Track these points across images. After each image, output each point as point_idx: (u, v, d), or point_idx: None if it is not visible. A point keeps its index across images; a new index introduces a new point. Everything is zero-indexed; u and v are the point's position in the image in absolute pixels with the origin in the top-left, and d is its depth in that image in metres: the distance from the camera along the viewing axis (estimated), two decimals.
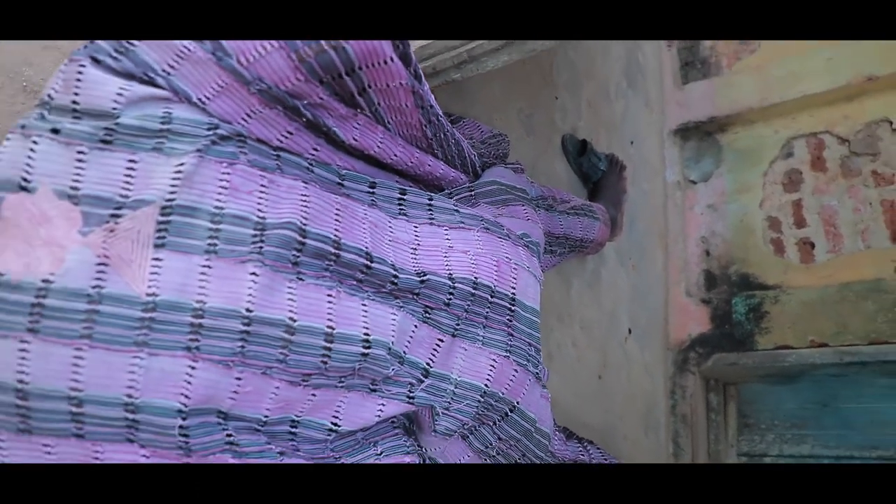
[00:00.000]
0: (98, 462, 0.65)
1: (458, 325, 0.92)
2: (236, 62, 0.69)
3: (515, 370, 0.97)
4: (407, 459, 0.84)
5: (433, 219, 0.94)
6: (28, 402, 0.62)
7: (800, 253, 2.25)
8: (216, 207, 0.69)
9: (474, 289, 0.91)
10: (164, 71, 0.68)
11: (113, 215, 0.66)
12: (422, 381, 0.87)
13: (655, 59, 2.56)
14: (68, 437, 0.64)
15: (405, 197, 0.92)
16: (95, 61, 0.66)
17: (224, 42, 0.68)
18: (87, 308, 0.63)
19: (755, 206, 2.37)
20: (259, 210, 0.71)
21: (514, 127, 1.62)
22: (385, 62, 0.75)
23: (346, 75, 0.74)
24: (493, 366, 0.94)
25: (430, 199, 0.95)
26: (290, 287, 0.73)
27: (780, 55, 2.37)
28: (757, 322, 2.22)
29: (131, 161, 0.67)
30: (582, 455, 1.29)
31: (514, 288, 0.97)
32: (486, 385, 0.93)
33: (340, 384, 0.79)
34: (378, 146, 0.86)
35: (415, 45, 0.99)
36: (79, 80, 0.66)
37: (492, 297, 0.94)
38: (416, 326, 0.86)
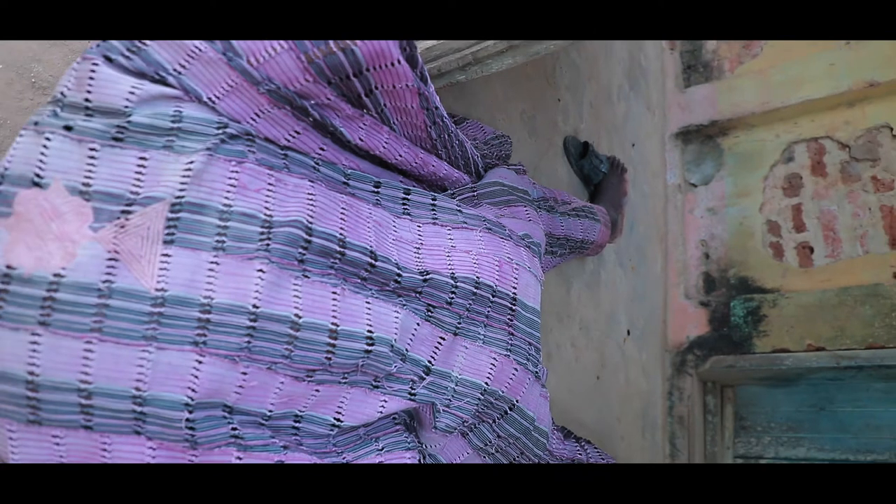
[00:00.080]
0: (106, 453, 0.67)
1: (459, 323, 0.93)
2: (246, 62, 0.70)
3: (515, 369, 0.98)
4: (407, 455, 0.85)
5: (436, 218, 0.95)
6: (38, 394, 0.64)
7: (798, 257, 2.26)
8: (225, 205, 0.70)
9: (476, 288, 0.93)
10: (175, 70, 0.69)
11: (124, 211, 0.67)
12: (423, 379, 0.89)
13: (658, 62, 2.57)
14: (77, 428, 0.66)
15: (409, 197, 0.94)
16: (108, 60, 0.67)
17: (234, 42, 0.70)
18: (98, 302, 0.65)
19: (755, 210, 2.38)
20: (266, 208, 0.73)
21: (516, 128, 1.63)
22: (392, 64, 0.76)
23: (354, 77, 0.75)
24: (493, 364, 0.95)
25: (434, 199, 0.97)
26: (295, 284, 0.74)
27: (782, 60, 2.38)
28: (755, 325, 2.23)
29: (142, 158, 0.68)
30: (579, 454, 1.30)
31: (515, 288, 0.98)
32: (486, 383, 0.95)
33: (344, 380, 0.80)
34: (383, 146, 0.87)
35: (420, 46, 1.00)
36: (92, 78, 0.67)
37: (493, 296, 0.96)
38: (418, 324, 0.88)
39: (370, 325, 0.80)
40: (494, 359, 0.96)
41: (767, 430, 2.27)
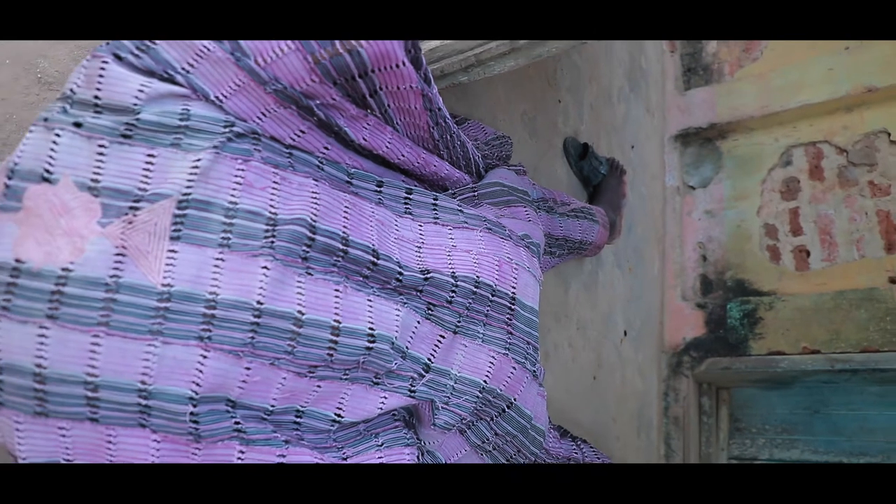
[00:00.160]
0: (111, 445, 0.68)
1: (459, 322, 0.94)
2: (254, 62, 0.71)
3: (514, 367, 1.00)
4: (406, 451, 0.86)
5: (438, 218, 0.96)
6: (45, 386, 0.65)
7: (795, 260, 2.28)
8: (230, 202, 0.71)
9: (476, 287, 0.94)
10: (183, 69, 0.70)
11: (131, 207, 0.68)
12: (423, 376, 0.90)
13: (658, 64, 2.59)
14: (83, 420, 0.67)
15: (411, 196, 0.95)
16: (118, 58, 0.68)
17: (242, 42, 0.71)
18: (105, 297, 0.66)
19: (752, 213, 2.40)
20: (271, 206, 0.74)
21: (517, 129, 1.64)
22: (397, 66, 0.77)
23: (359, 78, 0.77)
24: (492, 363, 0.97)
25: (435, 199, 0.98)
26: (299, 281, 0.75)
27: (781, 64, 2.40)
28: (751, 327, 2.25)
29: (150, 156, 0.69)
30: (575, 453, 1.32)
31: (514, 287, 0.99)
32: (484, 381, 0.96)
33: (345, 376, 0.82)
34: (386, 146, 0.89)
35: (424, 48, 1.01)
36: (101, 76, 0.68)
37: (493, 295, 0.97)
38: (418, 322, 0.89)
39: (371, 323, 0.81)
40: (493, 357, 0.97)
41: (762, 431, 2.29)
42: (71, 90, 0.69)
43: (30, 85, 0.96)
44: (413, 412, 0.95)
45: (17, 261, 0.64)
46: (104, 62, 0.68)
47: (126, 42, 0.69)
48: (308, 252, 0.76)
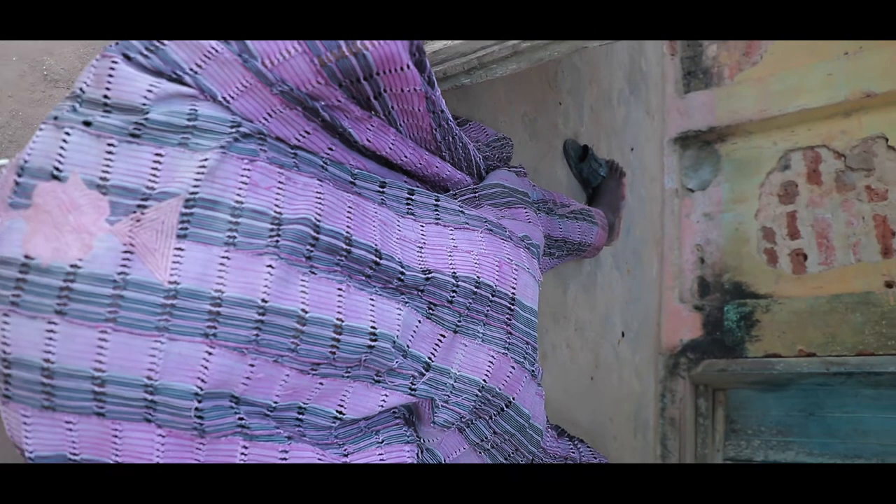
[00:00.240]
0: (116, 439, 0.69)
1: (459, 321, 0.95)
2: (261, 64, 0.72)
3: (512, 367, 1.01)
4: (406, 448, 0.87)
5: (439, 219, 0.97)
6: (53, 381, 0.66)
7: (792, 264, 2.29)
8: (236, 201, 0.72)
9: (476, 287, 0.95)
10: (191, 70, 0.72)
11: (139, 206, 0.69)
12: (423, 374, 0.91)
13: (658, 67, 2.60)
14: (89, 415, 0.68)
15: (413, 197, 0.96)
16: (127, 58, 0.70)
17: (250, 44, 0.72)
18: (113, 293, 0.67)
19: (750, 217, 2.41)
20: (276, 205, 0.75)
21: (517, 131, 1.65)
22: (402, 69, 0.78)
23: (365, 80, 0.78)
24: (491, 362, 0.98)
25: (437, 200, 0.99)
26: (303, 280, 0.76)
27: (781, 68, 2.41)
28: (747, 330, 2.26)
29: (158, 155, 0.70)
30: (572, 452, 1.33)
31: (514, 288, 1.01)
32: (484, 380, 0.97)
33: (347, 374, 0.83)
34: (390, 147, 0.90)
35: (427, 50, 1.02)
36: (111, 75, 0.69)
37: (493, 296, 0.98)
38: (419, 322, 0.90)
39: (373, 322, 0.82)
40: (492, 357, 0.98)
41: (757, 433, 2.30)
42: (80, 89, 0.70)
43: (36, 82, 0.97)
44: (413, 410, 0.96)
45: (27, 257, 0.65)
46: (114, 62, 0.69)
47: (135, 42, 0.70)
48: (312, 251, 0.77)
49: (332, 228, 0.79)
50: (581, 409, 1.87)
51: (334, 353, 0.79)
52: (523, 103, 1.68)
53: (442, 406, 0.93)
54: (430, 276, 0.90)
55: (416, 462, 0.88)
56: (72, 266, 0.66)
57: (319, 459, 0.78)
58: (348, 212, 0.83)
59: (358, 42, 0.74)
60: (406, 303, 0.88)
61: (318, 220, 0.78)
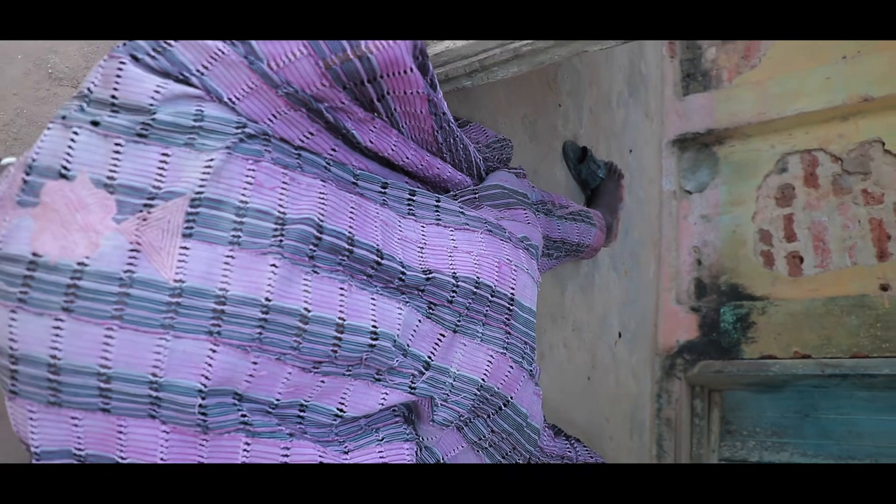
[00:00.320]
0: (121, 435, 0.70)
1: (459, 321, 0.96)
2: (266, 66, 0.73)
3: (511, 367, 1.02)
4: (406, 446, 0.88)
5: (440, 220, 0.98)
6: (59, 377, 0.67)
7: (788, 266, 2.31)
8: (241, 201, 0.73)
9: (476, 288, 0.96)
10: (198, 71, 0.72)
11: (146, 205, 0.70)
12: (423, 373, 0.92)
13: (657, 70, 2.61)
14: (95, 411, 0.69)
15: (414, 198, 0.97)
16: (135, 59, 0.70)
17: (255, 46, 0.73)
18: (119, 291, 0.68)
19: (748, 219, 2.43)
20: (280, 205, 0.76)
21: (517, 132, 1.66)
22: (405, 72, 0.79)
23: (368, 83, 0.79)
24: (490, 361, 0.99)
25: (438, 201, 1.00)
26: (305, 279, 0.77)
27: (779, 72, 2.42)
28: (743, 331, 2.28)
29: (164, 155, 0.71)
30: (569, 451, 1.34)
31: (513, 288, 1.02)
32: (482, 379, 0.98)
33: (348, 372, 0.84)
34: (392, 148, 0.91)
35: (429, 52, 1.03)
36: (118, 76, 0.70)
37: (492, 296, 0.99)
38: (420, 321, 0.91)
39: (375, 321, 0.83)
40: (491, 356, 0.99)
41: (752, 434, 2.32)
42: (88, 89, 0.71)
43: (41, 80, 0.98)
44: (412, 408, 0.97)
45: (35, 254, 0.66)
46: (122, 63, 0.70)
47: (143, 43, 0.71)
48: (315, 251, 0.78)
49: (334, 228, 0.80)
50: (578, 408, 1.88)
51: (336, 351, 0.80)
52: (523, 105, 1.69)
53: (441, 404, 0.94)
54: (430, 276, 0.91)
55: (415, 459, 0.89)
56: (79, 264, 0.67)
57: (321, 456, 0.79)
58: (351, 212, 0.84)
59: (362, 45, 0.75)
60: (407, 302, 0.89)
61: (322, 221, 0.79)
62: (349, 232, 0.82)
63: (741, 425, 2.34)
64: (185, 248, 0.71)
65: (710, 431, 2.36)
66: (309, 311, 0.77)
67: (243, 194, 0.73)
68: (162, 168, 0.71)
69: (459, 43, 1.00)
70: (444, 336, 0.95)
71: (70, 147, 0.69)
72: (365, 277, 0.85)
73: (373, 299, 0.85)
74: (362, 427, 0.88)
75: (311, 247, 0.78)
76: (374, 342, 0.83)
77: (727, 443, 2.35)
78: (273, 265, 0.74)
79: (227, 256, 0.72)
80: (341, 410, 0.85)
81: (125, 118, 0.70)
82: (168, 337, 0.69)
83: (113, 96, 0.70)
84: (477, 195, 1.12)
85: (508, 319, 1.02)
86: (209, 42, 0.72)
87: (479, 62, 1.03)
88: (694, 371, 2.31)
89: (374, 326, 0.83)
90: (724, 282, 2.41)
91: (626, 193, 2.06)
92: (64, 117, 0.70)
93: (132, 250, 0.69)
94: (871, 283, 2.14)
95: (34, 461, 0.70)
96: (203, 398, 0.71)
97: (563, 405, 1.80)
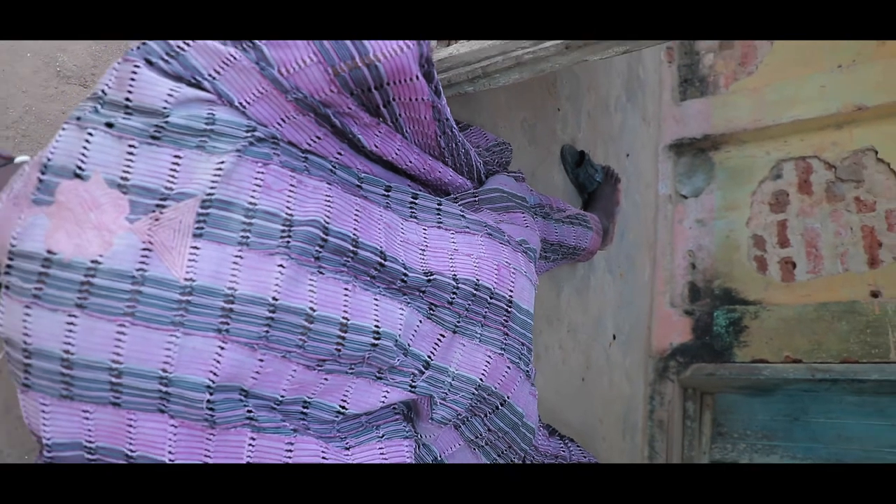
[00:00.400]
0: (131, 429, 0.72)
1: (458, 322, 0.99)
2: (277, 72, 0.75)
3: (508, 367, 1.04)
4: (405, 443, 0.91)
5: (441, 223, 1.00)
6: (72, 371, 0.69)
7: (781, 271, 2.34)
8: (250, 203, 0.75)
9: (476, 290, 0.98)
10: (210, 75, 0.74)
11: (158, 205, 0.72)
12: (423, 372, 0.94)
13: (655, 75, 2.63)
14: (106, 405, 0.71)
15: (417, 201, 0.99)
16: (149, 63, 0.72)
17: (266, 52, 0.75)
18: (131, 288, 0.70)
19: (742, 224, 2.45)
20: (288, 207, 0.78)
21: (517, 136, 1.68)
22: (411, 79, 0.81)
23: (375, 89, 0.81)
24: (488, 362, 1.01)
25: (440, 204, 1.02)
26: (311, 279, 0.79)
27: (776, 79, 2.45)
28: (736, 335, 2.30)
29: (177, 157, 0.73)
30: (563, 451, 1.36)
31: (511, 291, 1.04)
32: (480, 379, 1.00)
33: (350, 371, 0.86)
34: (396, 153, 0.93)
35: (433, 58, 1.05)
36: (133, 79, 0.72)
37: (491, 298, 1.01)
38: (420, 321, 0.93)
39: (377, 321, 0.85)
40: (489, 357, 1.02)
41: (743, 437, 2.34)
42: (102, 91, 0.73)
43: (49, 78, 0.99)
44: (412, 406, 1.00)
45: (49, 252, 0.68)
46: (136, 66, 0.72)
47: (156, 47, 0.73)
48: (321, 252, 0.80)
49: (340, 230, 0.82)
50: (572, 409, 1.90)
51: (340, 350, 0.82)
52: (523, 109, 1.72)
53: (440, 403, 0.96)
54: (431, 277, 0.93)
55: (413, 456, 0.92)
56: (92, 262, 0.69)
57: (323, 452, 0.81)
58: (355, 214, 0.86)
59: (371, 53, 0.77)
60: (408, 303, 0.91)
61: (327, 223, 0.81)
62: (354, 234, 0.84)
63: (732, 428, 2.37)
64: (195, 247, 0.73)
65: (701, 433, 2.39)
66: (314, 311, 0.79)
67: (252, 196, 0.75)
68: (174, 170, 0.73)
69: (463, 50, 1.02)
70: (443, 336, 0.97)
71: (85, 148, 0.70)
72: (368, 278, 0.87)
73: (376, 300, 0.87)
74: (363, 424, 0.90)
75: (317, 248, 0.80)
76: (376, 341, 0.85)
77: (718, 445, 2.38)
78: (280, 265, 0.76)
79: (236, 256, 0.74)
80: (343, 407, 0.87)
81: (139, 120, 0.72)
82: (178, 334, 0.71)
83: (127, 99, 0.72)
84: (477, 198, 1.14)
85: (506, 321, 1.04)
86: (221, 47, 0.74)
87: (482, 69, 1.05)
88: (686, 374, 2.34)
89: (376, 326, 0.85)
90: (718, 286, 2.43)
91: (623, 197, 2.09)
92: (79, 118, 0.71)
93: (144, 249, 0.71)
94: (861, 290, 2.17)
95: (45, 452, 0.72)
96: (211, 394, 0.73)
97: (558, 406, 1.82)
